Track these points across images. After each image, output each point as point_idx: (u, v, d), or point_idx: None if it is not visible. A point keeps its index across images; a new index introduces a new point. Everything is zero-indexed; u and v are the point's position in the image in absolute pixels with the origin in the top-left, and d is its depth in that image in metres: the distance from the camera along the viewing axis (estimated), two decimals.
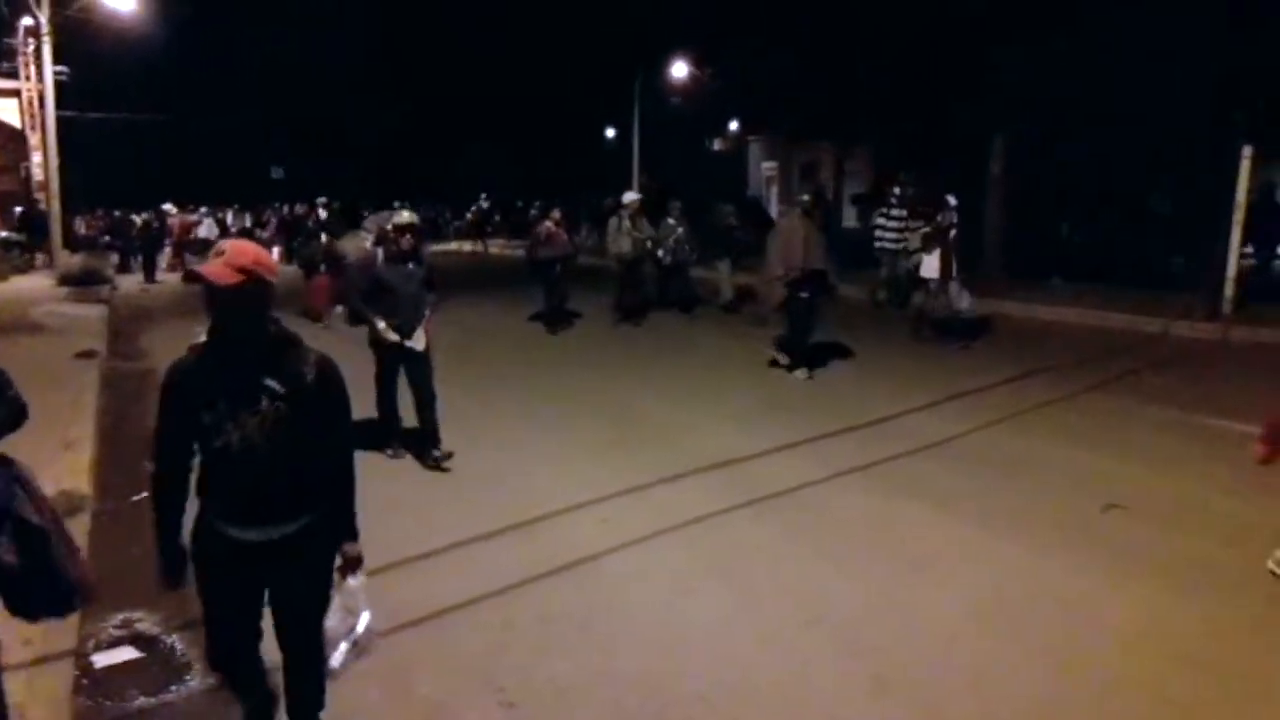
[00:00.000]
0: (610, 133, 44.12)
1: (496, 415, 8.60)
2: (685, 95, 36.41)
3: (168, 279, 22.06)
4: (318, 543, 3.05)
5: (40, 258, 22.88)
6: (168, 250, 24.73)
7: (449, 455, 6.89)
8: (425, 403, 6.91)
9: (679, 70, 35.05)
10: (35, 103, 26.23)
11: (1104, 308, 13.66)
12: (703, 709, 3.67)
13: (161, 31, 30.16)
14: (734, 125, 40.83)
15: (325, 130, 49.09)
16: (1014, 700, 3.76)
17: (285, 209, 29.17)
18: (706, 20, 30.94)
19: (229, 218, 30.49)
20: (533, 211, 29.93)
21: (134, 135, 40.84)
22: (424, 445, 6.97)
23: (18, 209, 27.83)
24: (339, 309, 13.99)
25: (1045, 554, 5.23)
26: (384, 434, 7.17)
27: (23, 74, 27.09)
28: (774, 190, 35.17)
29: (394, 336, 6.70)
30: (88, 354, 10.91)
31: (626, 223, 13.59)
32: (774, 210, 28.92)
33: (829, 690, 3.84)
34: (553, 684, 3.87)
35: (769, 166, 37.93)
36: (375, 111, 49.37)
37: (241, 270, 2.75)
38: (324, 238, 17.44)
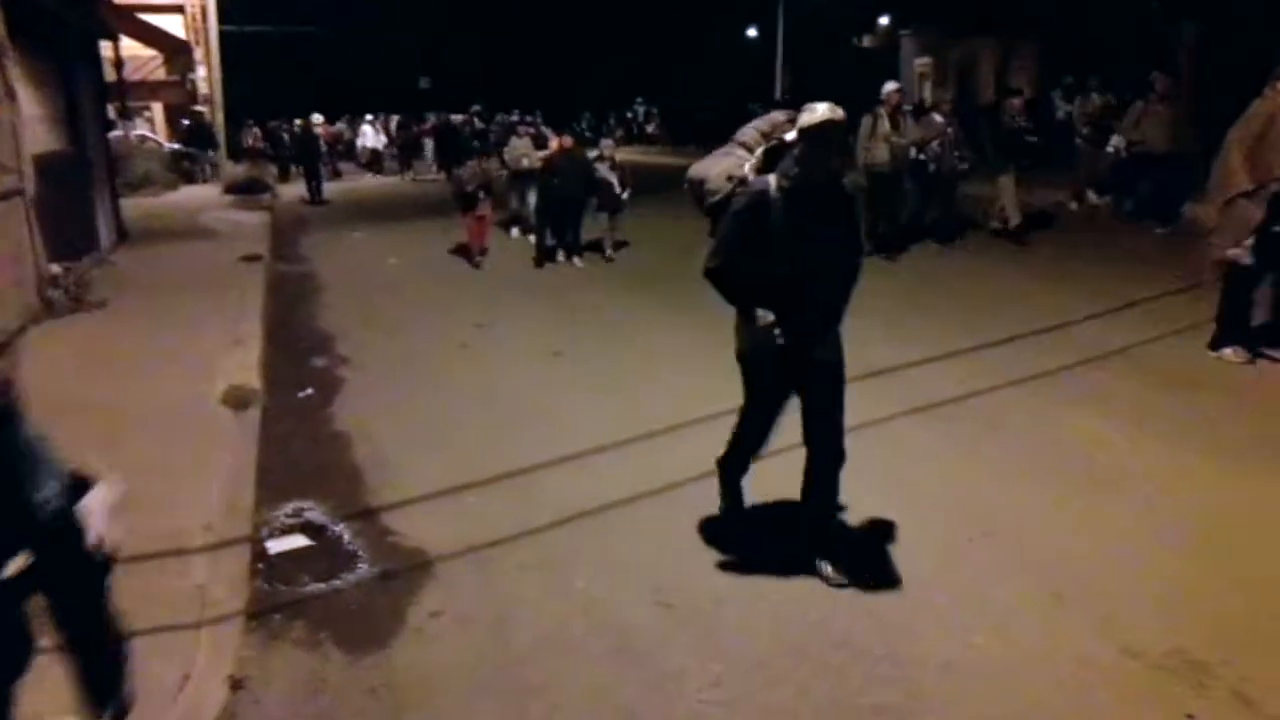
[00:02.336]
0: (752, 32, 42.64)
1: (657, 328, 8.52)
2: None
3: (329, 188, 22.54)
4: None
5: (208, 168, 23.88)
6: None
7: (839, 580, 3.85)
8: (827, 459, 3.95)
9: None
10: (199, 17, 27.19)
11: None
12: (870, 623, 3.52)
13: None
14: (884, 20, 38.78)
15: (464, 40, 49.29)
16: (1204, 624, 3.46)
17: (438, 118, 28.77)
18: None
19: (393, 126, 30.09)
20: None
21: (289, 48, 42.17)
22: (816, 541, 4.01)
23: (185, 121, 29.30)
24: (518, 233, 13.14)
25: (1239, 474, 4.78)
26: (730, 510, 4.38)
27: None
28: (927, 88, 33.34)
29: (778, 338, 3.72)
30: (253, 257, 11.39)
31: (884, 123, 10.52)
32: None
33: (1004, 604, 3.62)
34: (709, 588, 3.80)
35: (922, 63, 35.91)
36: (509, 17, 49.10)
37: None
38: (482, 157, 16.72)
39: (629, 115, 40.14)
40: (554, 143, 12.86)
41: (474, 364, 7.27)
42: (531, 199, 12.61)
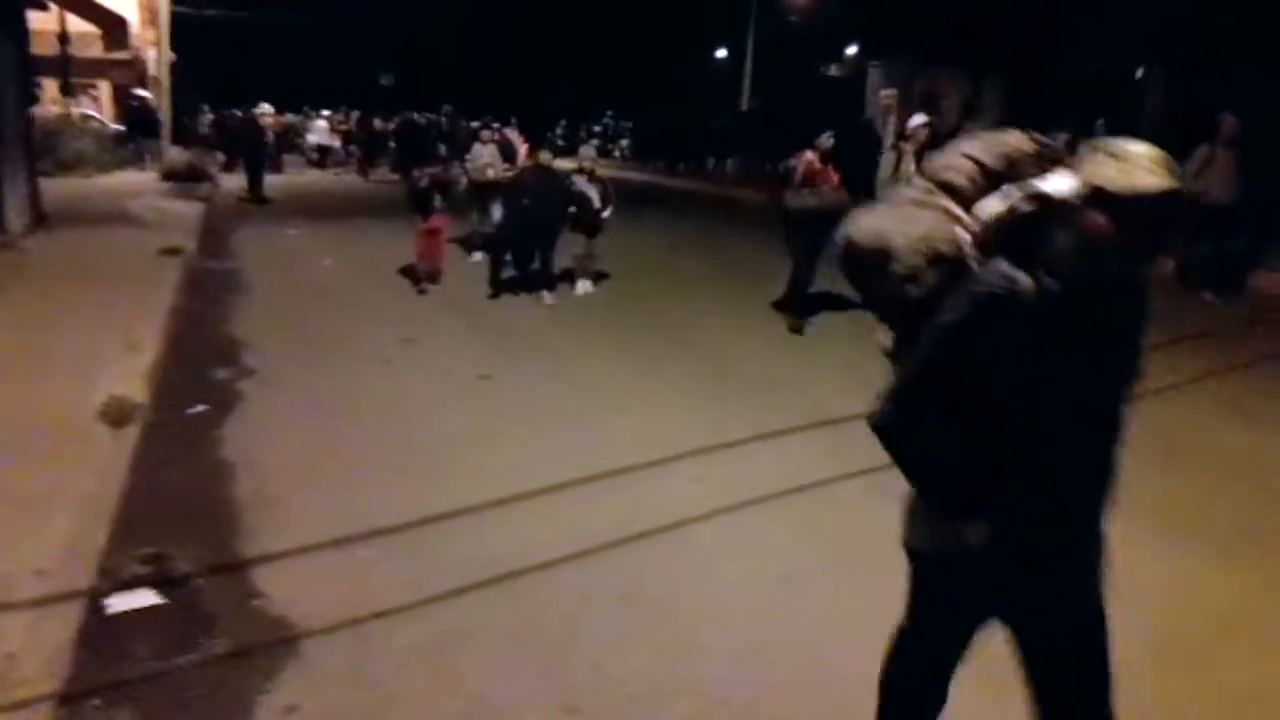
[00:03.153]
0: (721, 53, 42.46)
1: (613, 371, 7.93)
2: (803, 13, 34.57)
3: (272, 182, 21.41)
4: None
5: (146, 154, 22.71)
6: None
7: None
8: None
9: None
10: None
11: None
12: None
13: None
14: (852, 50, 38.78)
15: (431, 39, 48.41)
16: None
17: (402, 116, 27.10)
18: None
19: (353, 123, 28.08)
20: None
21: (252, 35, 41.05)
22: None
23: (133, 103, 28.24)
24: (481, 256, 10.93)
25: (1229, 567, 4.29)
26: None
27: None
28: (890, 119, 33.26)
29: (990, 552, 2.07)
30: (173, 250, 10.59)
31: (909, 164, 8.70)
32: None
33: None
34: (626, 688, 3.19)
35: (887, 94, 35.89)
36: (480, 19, 48.38)
37: None
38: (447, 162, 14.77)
39: (598, 128, 39.68)
40: (524, 153, 11.37)
41: (394, 385, 6.61)
42: (496, 216, 11.00)
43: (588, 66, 47.34)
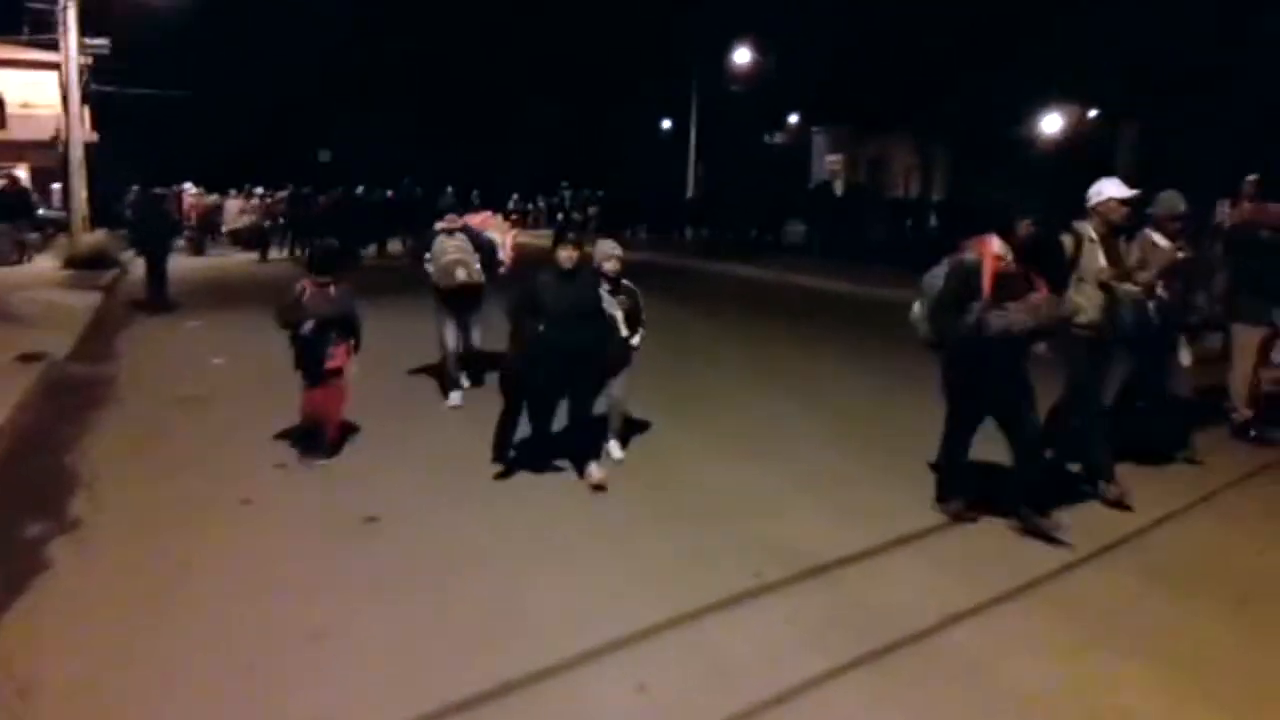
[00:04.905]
0: (666, 124, 42.10)
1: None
2: (746, 81, 34.28)
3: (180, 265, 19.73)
4: None
5: (19, 239, 20.35)
6: (184, 239, 23.09)
7: None
8: None
9: (740, 56, 32.96)
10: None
11: None
12: None
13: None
14: (794, 118, 38.71)
15: (371, 114, 47.41)
16: None
17: (340, 192, 24.76)
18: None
19: (283, 203, 25.61)
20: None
21: (182, 112, 39.77)
22: None
23: (55, 185, 26.78)
24: (459, 398, 8.08)
25: None
26: None
27: (62, 45, 25.75)
28: (838, 185, 32.81)
29: None
30: (33, 356, 9.09)
31: (1097, 253, 5.68)
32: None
33: None
34: None
35: (833, 160, 35.72)
36: (415, 96, 47.59)
37: None
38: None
39: (555, 200, 38.19)
40: (509, 244, 8.31)
41: (252, 537, 5.18)
42: (476, 335, 8.42)
43: (534, 138, 46.78)
